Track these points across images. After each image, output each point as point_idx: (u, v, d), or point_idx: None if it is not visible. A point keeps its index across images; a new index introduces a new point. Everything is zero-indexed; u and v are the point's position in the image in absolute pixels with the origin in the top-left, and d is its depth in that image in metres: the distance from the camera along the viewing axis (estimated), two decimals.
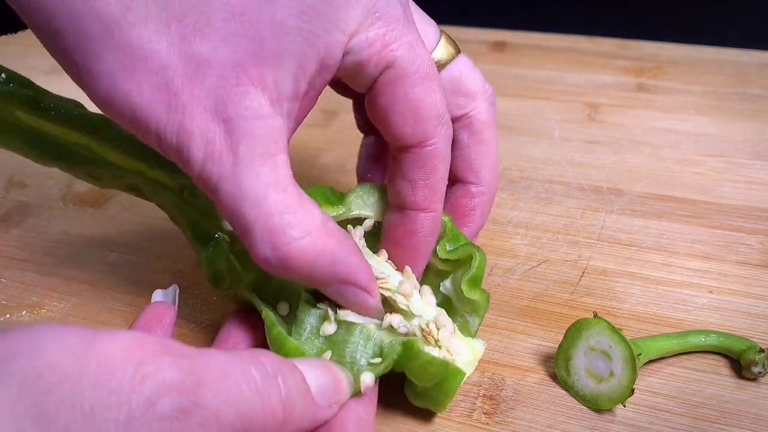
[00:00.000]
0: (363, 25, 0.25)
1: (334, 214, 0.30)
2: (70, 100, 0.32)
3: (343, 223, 0.31)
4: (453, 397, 0.28)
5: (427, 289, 0.30)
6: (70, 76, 0.24)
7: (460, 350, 0.28)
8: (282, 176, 0.24)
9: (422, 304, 0.29)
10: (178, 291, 0.34)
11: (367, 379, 0.26)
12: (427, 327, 0.28)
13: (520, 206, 0.43)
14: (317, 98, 0.26)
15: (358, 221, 0.32)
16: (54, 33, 0.22)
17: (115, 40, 0.22)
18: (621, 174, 0.46)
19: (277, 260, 0.24)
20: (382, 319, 0.28)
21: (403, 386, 0.30)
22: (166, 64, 0.22)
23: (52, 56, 0.24)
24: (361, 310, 0.28)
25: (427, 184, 0.28)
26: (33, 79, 0.32)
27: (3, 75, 0.32)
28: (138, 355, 0.19)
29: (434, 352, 0.27)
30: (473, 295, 0.29)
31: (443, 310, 0.29)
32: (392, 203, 0.30)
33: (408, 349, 0.27)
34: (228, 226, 0.31)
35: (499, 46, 0.66)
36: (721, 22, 0.73)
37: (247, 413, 0.20)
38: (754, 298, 0.35)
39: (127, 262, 0.40)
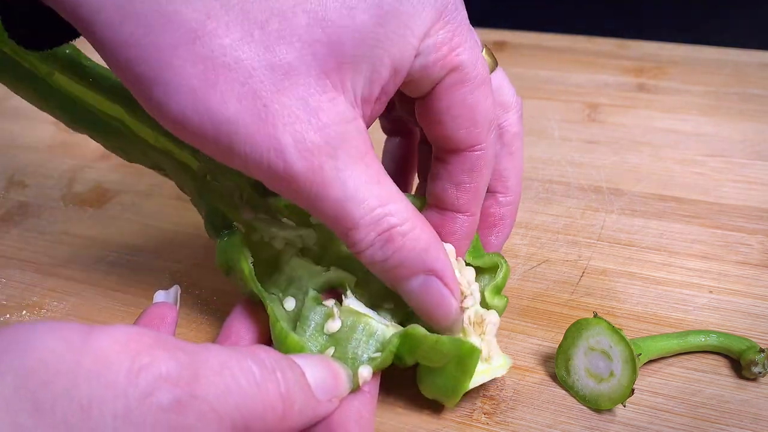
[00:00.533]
0: (433, 29, 0.25)
1: None
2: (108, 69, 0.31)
3: None
4: (471, 379, 0.27)
5: (476, 286, 0.30)
6: (137, 94, 0.23)
7: (496, 352, 0.28)
8: (376, 170, 0.25)
9: (477, 295, 0.29)
10: (179, 291, 0.34)
11: (365, 372, 0.26)
12: (480, 317, 0.28)
13: (520, 206, 0.43)
14: (386, 103, 0.27)
15: None
16: (120, 45, 0.21)
17: (194, 50, 0.21)
18: (621, 174, 0.46)
19: (380, 247, 0.25)
20: (456, 334, 0.28)
21: (404, 386, 0.30)
22: (251, 74, 0.22)
23: (113, 72, 0.23)
24: (441, 316, 0.27)
25: (471, 188, 0.29)
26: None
27: None
28: (134, 348, 0.19)
29: (475, 341, 0.27)
30: (497, 302, 0.30)
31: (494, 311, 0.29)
32: (431, 203, 0.30)
33: (408, 338, 0.27)
34: (246, 215, 0.31)
35: (499, 46, 0.66)
36: (721, 22, 0.73)
37: (245, 406, 0.20)
38: (754, 298, 0.35)
39: (127, 262, 0.40)
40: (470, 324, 0.28)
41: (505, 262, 0.31)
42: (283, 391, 0.21)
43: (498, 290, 0.30)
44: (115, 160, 0.49)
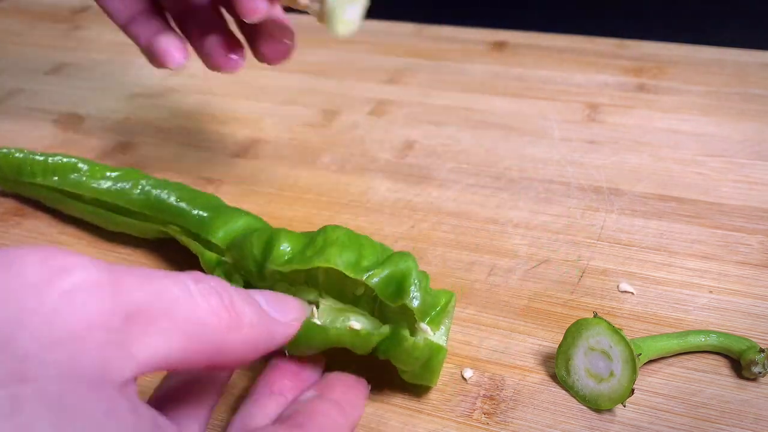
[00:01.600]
0: None
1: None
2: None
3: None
4: (440, 373, 0.29)
5: None
6: None
7: None
8: None
9: None
10: None
11: (356, 323, 0.28)
12: None
13: (520, 206, 0.43)
14: None
15: None
16: None
17: None
18: (621, 174, 0.46)
19: None
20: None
21: (403, 386, 0.30)
22: None
23: None
24: None
25: None
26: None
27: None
28: (49, 253, 0.18)
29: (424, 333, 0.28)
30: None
31: None
32: None
33: (394, 333, 0.28)
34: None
35: (499, 46, 0.66)
36: (721, 22, 0.72)
37: (181, 310, 0.19)
38: (754, 298, 0.35)
39: (127, 263, 0.40)
40: None
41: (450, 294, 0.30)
42: (227, 303, 0.21)
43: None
44: (114, 160, 0.49)
